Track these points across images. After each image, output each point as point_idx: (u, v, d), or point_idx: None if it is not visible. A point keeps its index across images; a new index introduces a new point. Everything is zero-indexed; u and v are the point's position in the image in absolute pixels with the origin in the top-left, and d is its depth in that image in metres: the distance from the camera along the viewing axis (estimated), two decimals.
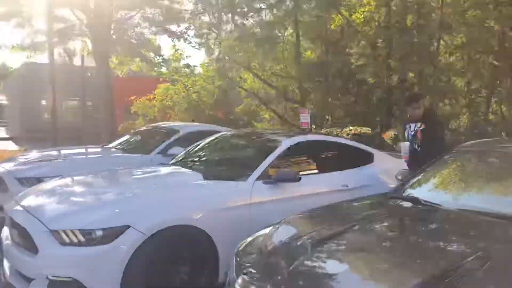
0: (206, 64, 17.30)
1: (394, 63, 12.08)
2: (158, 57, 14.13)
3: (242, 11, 16.86)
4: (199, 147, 5.10)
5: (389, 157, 5.09)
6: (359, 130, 10.83)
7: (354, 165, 4.71)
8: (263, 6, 17.06)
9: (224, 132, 5.71)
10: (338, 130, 11.48)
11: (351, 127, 11.33)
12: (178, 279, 3.35)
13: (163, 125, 7.45)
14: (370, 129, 10.61)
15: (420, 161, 4.15)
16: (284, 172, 3.88)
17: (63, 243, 3.07)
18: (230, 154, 4.79)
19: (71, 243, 3.07)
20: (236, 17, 16.59)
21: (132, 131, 8.50)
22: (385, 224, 2.47)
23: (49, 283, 3.08)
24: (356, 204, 3.06)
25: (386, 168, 4.87)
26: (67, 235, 3.07)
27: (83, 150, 6.62)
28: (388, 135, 10.53)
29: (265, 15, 17.50)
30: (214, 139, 5.19)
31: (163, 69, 14.79)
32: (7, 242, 3.55)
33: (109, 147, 6.74)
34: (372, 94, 12.64)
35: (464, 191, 2.82)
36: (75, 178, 4.26)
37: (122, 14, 12.61)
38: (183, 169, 4.32)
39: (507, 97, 11.98)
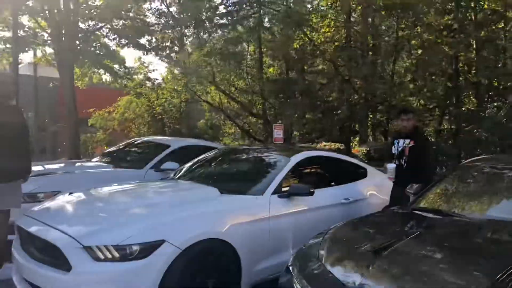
0: (170, 77, 17.21)
1: (360, 83, 12.73)
2: (123, 69, 13.88)
3: (206, 26, 17.04)
4: (201, 162, 5.20)
5: (378, 172, 5.44)
6: (332, 146, 11.28)
7: (351, 179, 5.03)
8: (227, 22, 17.34)
9: (223, 147, 5.83)
10: (313, 145, 11.92)
11: (324, 143, 11.78)
12: None
13: (151, 140, 7.41)
14: (343, 145, 11.10)
15: (407, 178, 4.48)
16: (298, 187, 4.08)
17: (97, 259, 3.08)
18: (237, 169, 4.93)
19: (106, 259, 3.09)
20: (201, 33, 16.70)
21: (108, 148, 8.35)
22: (430, 233, 2.74)
23: None
24: (386, 217, 3.31)
25: (377, 182, 5.23)
26: (101, 251, 3.09)
27: (72, 165, 6.46)
28: (360, 150, 11.05)
29: (229, 32, 17.78)
30: (216, 154, 5.32)
31: (128, 82, 14.50)
32: (21, 260, 3.48)
33: (97, 162, 6.62)
34: (338, 111, 13.21)
35: (480, 202, 3.17)
36: (90, 192, 4.24)
37: (90, 24, 12.37)
38: (196, 184, 4.40)
39: (457, 116, 12.94)
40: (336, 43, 15.53)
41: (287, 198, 4.07)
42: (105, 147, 15.43)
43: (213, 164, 5.16)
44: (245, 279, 3.65)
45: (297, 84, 14.47)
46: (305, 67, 17.24)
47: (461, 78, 13.04)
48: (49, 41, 12.77)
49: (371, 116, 13.07)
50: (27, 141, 4.34)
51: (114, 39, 12.62)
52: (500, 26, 12.80)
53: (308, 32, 15.53)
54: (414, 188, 3.81)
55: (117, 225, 3.30)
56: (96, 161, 6.70)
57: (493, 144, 10.58)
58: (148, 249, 3.12)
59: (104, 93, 19.80)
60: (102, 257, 3.09)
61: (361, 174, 5.23)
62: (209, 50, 14.53)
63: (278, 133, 10.39)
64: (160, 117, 16.04)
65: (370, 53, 14.34)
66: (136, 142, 7.43)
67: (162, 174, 5.90)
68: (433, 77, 12.44)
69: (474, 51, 12.67)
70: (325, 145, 11.75)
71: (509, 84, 11.99)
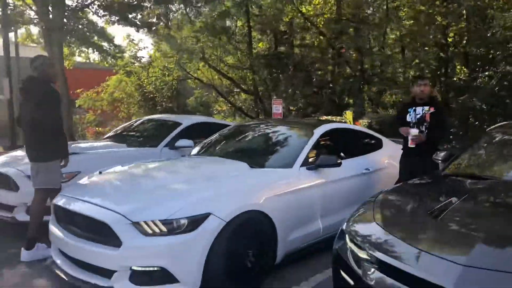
0: (158, 55, 16.91)
1: (355, 55, 12.80)
2: (113, 47, 13.58)
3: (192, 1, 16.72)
4: (221, 138, 5.25)
5: (392, 143, 5.57)
6: (333, 119, 11.42)
7: (370, 150, 5.16)
8: None
9: (240, 123, 5.86)
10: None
11: (325, 116, 11.91)
12: (248, 262, 3.54)
13: (158, 118, 7.38)
14: (344, 118, 11.23)
15: (429, 145, 4.58)
16: (326, 158, 4.17)
17: (146, 234, 3.15)
18: (261, 143, 4.99)
19: (154, 234, 3.15)
20: (188, 8, 16.38)
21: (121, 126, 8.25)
22: (476, 195, 2.87)
23: (132, 273, 3.15)
24: (425, 182, 3.42)
25: (392, 152, 5.36)
26: (149, 226, 3.15)
27: (87, 145, 6.41)
28: (361, 122, 11.21)
29: (215, 7, 17.47)
30: (235, 130, 5.37)
31: (118, 60, 14.21)
32: (65, 238, 3.52)
33: (108, 142, 6.57)
34: (331, 84, 13.31)
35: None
36: (122, 170, 4.27)
37: (79, 0, 12.03)
38: (225, 159, 4.45)
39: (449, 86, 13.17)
40: (326, 15, 15.51)
41: (315, 169, 4.17)
42: (98, 128, 15.24)
43: (234, 139, 5.21)
44: (280, 248, 3.77)
45: (289, 58, 14.43)
46: (295, 41, 17.19)
47: (451, 48, 13.23)
48: (35, 20, 12.42)
49: (365, 89, 13.21)
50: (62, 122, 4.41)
51: (104, 15, 12.31)
52: None
53: (298, 5, 15.45)
54: (442, 155, 3.91)
55: (162, 201, 3.35)
56: (108, 141, 6.65)
57: (487, 113, 10.84)
58: (196, 222, 3.19)
59: (88, 73, 19.45)
60: (150, 231, 3.15)
61: (377, 145, 5.36)
62: (201, 26, 14.28)
63: (277, 108, 10.45)
64: (151, 95, 15.85)
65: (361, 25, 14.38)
66: (142, 121, 7.38)
67: (177, 152, 5.93)
68: (426, 48, 12.56)
69: (464, 21, 12.81)
70: (325, 119, 11.89)
71: (498, 53, 12.19)
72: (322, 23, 14.92)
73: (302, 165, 4.14)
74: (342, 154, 4.76)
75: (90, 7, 12.26)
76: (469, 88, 12.21)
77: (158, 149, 5.98)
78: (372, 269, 2.35)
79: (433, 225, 2.43)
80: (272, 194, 3.74)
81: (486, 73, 13.02)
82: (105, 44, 13.85)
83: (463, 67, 13.48)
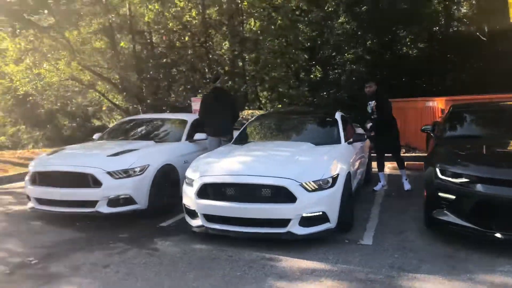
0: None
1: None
2: None
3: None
4: (257, 127, 6.70)
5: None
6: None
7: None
8: None
9: (264, 112, 7.41)
10: None
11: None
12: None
13: (161, 117, 8.12)
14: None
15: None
16: (358, 135, 6.20)
17: (308, 191, 4.59)
18: (300, 127, 6.70)
19: (313, 190, 4.61)
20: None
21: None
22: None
23: (302, 218, 4.55)
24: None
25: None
26: (309, 185, 4.60)
27: (130, 142, 6.83)
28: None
29: None
30: (262, 119, 6.97)
31: None
32: (234, 205, 4.62)
33: (124, 140, 7.08)
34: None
35: None
36: (249, 150, 5.71)
37: None
38: (291, 142, 6.01)
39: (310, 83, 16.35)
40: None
41: (353, 143, 6.11)
42: None
43: (272, 126, 6.74)
44: (353, 187, 5.70)
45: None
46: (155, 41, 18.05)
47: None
48: None
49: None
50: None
51: None
52: None
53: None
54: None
55: (310, 169, 4.79)
56: (122, 139, 7.15)
57: (352, 102, 14.17)
58: (335, 180, 4.78)
59: None
60: (310, 189, 4.60)
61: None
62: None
63: (197, 104, 11.65)
64: (30, 98, 14.66)
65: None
66: (136, 121, 7.94)
67: (195, 144, 6.96)
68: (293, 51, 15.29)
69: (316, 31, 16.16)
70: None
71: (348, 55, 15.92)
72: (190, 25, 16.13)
73: (345, 141, 5.99)
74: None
75: None
76: (327, 84, 15.61)
77: (182, 142, 6.90)
78: (471, 183, 4.42)
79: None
80: (351, 159, 5.70)
81: (336, 71, 16.73)
82: None
83: (317, 67, 16.87)
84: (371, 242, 4.78)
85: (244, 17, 16.39)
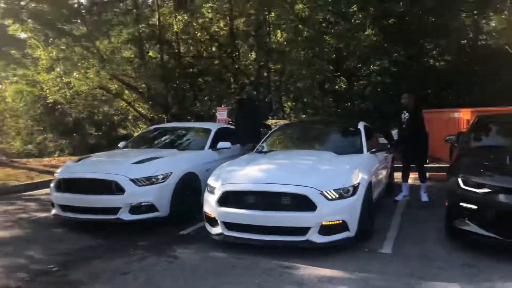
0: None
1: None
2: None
3: None
4: (279, 136, 6.79)
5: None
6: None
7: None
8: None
9: (287, 122, 7.47)
10: None
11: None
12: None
13: (186, 126, 8.42)
14: None
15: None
16: (382, 145, 6.21)
17: (328, 199, 4.60)
18: (322, 136, 6.75)
19: (333, 199, 4.62)
20: None
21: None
22: None
23: (322, 226, 4.56)
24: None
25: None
26: (329, 194, 4.61)
27: (154, 150, 7.02)
28: None
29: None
30: (285, 128, 7.07)
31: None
32: (254, 213, 4.67)
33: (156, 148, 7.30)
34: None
35: None
36: (272, 158, 5.80)
37: None
38: (314, 151, 6.06)
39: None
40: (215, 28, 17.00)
41: (375, 153, 6.09)
42: None
43: (295, 135, 6.84)
44: (374, 197, 5.68)
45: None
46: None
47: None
48: None
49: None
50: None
51: None
52: None
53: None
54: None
55: (331, 177, 4.82)
56: (146, 147, 7.34)
57: (376, 112, 14.08)
58: (355, 189, 4.78)
59: None
60: (330, 197, 4.61)
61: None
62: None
63: (222, 114, 11.83)
64: (59, 106, 15.16)
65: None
66: (161, 130, 8.23)
67: (218, 153, 7.07)
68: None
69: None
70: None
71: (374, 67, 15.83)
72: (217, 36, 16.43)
73: (367, 151, 5.99)
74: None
75: None
76: (352, 95, 15.55)
77: (205, 150, 7.02)
78: (494, 193, 4.35)
79: None
80: (373, 169, 5.72)
81: (361, 82, 16.66)
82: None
83: (342, 78, 16.83)
84: (391, 251, 4.76)
85: (271, 28, 16.61)
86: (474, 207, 4.50)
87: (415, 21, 15.37)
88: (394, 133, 7.43)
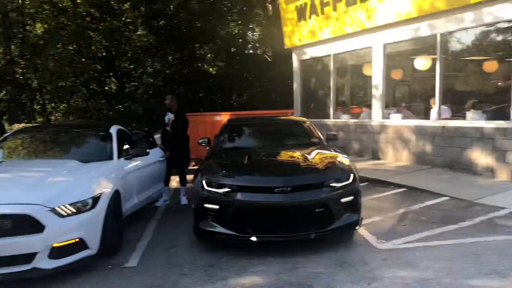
0: None
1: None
2: None
3: None
4: (15, 143, 5.79)
5: None
6: None
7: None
8: None
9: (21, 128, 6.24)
10: None
11: None
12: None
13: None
14: None
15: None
16: (138, 150, 5.85)
17: (62, 216, 3.96)
18: (70, 143, 5.97)
19: (68, 215, 4.00)
20: None
21: None
22: None
23: (53, 249, 3.88)
24: None
25: None
26: (63, 209, 3.99)
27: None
28: None
29: None
30: (21, 134, 6.28)
31: None
32: None
33: None
34: None
35: None
36: None
37: None
38: (58, 160, 5.29)
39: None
40: None
41: (130, 159, 5.71)
42: None
43: (34, 142, 5.86)
44: (126, 207, 5.36)
45: None
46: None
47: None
48: None
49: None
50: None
51: None
52: None
53: None
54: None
55: (66, 190, 4.21)
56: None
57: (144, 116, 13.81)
58: (96, 200, 4.28)
59: None
60: (64, 214, 3.98)
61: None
62: None
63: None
64: None
65: None
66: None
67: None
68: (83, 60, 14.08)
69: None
70: None
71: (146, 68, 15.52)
72: None
73: (119, 157, 5.53)
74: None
75: None
76: (123, 96, 14.94)
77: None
78: (232, 192, 4.51)
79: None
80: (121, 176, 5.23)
81: (132, 83, 16.17)
82: None
83: (112, 79, 16.02)
84: (136, 263, 4.47)
85: (26, 18, 14.49)
86: (217, 207, 4.58)
87: (184, 24, 15.73)
88: (157, 137, 7.21)
